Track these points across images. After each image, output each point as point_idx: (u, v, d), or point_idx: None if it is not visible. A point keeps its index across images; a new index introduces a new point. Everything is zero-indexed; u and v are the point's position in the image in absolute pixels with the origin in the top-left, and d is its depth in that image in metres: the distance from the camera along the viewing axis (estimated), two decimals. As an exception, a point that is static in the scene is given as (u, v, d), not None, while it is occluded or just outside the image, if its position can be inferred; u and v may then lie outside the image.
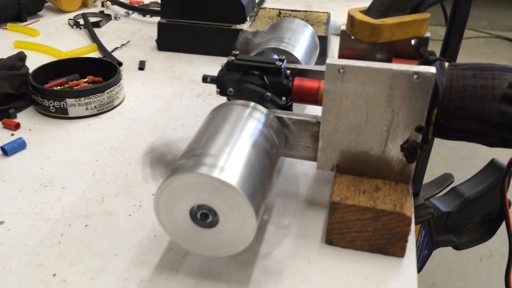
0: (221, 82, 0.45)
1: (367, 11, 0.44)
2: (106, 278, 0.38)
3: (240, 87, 0.45)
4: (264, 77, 0.44)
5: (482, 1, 3.62)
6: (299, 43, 0.57)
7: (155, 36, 0.87)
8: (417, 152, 0.40)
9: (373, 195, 0.40)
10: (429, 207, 0.59)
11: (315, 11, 0.89)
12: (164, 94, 0.69)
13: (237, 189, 0.33)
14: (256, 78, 0.44)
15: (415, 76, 0.37)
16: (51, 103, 0.60)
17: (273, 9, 0.91)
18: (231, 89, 0.45)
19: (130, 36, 0.90)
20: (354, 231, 0.41)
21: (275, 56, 0.48)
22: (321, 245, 0.42)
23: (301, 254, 0.41)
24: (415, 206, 0.58)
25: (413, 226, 0.43)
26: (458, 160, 1.92)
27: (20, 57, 0.65)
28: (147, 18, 1.01)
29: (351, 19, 0.44)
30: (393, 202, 0.40)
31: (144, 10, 1.00)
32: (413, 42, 0.45)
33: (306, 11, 0.90)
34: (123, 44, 0.86)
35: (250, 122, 0.39)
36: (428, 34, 0.45)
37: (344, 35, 0.46)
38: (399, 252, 0.41)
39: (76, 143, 0.56)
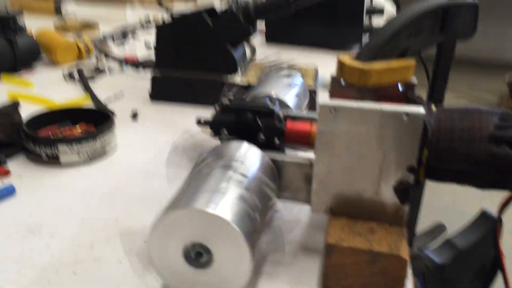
0: (215, 124, 0.46)
1: (356, 57, 0.46)
2: (94, 327, 0.37)
3: (234, 129, 0.45)
4: (258, 119, 0.45)
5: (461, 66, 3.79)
6: (289, 91, 0.58)
7: (148, 89, 0.88)
8: (409, 193, 0.40)
9: (368, 237, 0.40)
10: (424, 259, 0.58)
11: (303, 66, 0.92)
12: (156, 143, 0.69)
13: (233, 225, 0.32)
14: (250, 121, 0.45)
15: (404, 116, 0.38)
16: (43, 150, 0.60)
17: (263, 62, 0.94)
18: (225, 131, 0.45)
19: (124, 89, 0.92)
20: (351, 275, 0.40)
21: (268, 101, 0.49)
22: (317, 291, 0.41)
23: (297, 301, 0.40)
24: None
25: (409, 271, 0.42)
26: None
27: (14, 106, 0.66)
28: (141, 73, 1.03)
29: (341, 64, 0.45)
30: (389, 244, 0.39)
31: (137, 65, 1.02)
32: (400, 87, 0.47)
33: (293, 65, 0.92)
34: (116, 95, 0.87)
35: (245, 163, 0.39)
36: (414, 80, 0.46)
37: (334, 81, 0.48)
38: (397, 297, 0.40)
39: (66, 190, 0.56)
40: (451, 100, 3.16)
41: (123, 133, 0.71)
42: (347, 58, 0.46)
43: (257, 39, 1.33)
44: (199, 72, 0.83)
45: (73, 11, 1.55)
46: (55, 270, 0.42)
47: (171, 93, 0.84)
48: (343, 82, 0.46)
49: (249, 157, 0.41)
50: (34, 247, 0.45)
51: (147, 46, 1.23)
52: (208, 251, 0.34)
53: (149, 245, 0.35)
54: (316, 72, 0.88)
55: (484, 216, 0.65)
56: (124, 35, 1.32)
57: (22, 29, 1.00)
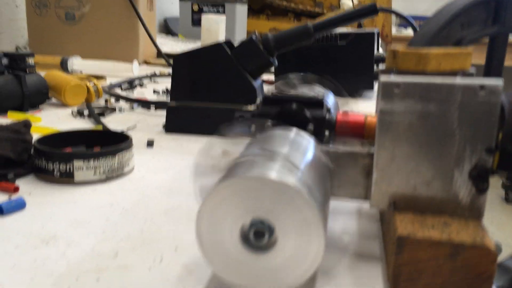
0: (257, 118, 0.42)
1: (408, 45, 0.43)
2: (126, 333, 0.30)
3: (278, 121, 0.41)
4: (305, 110, 0.41)
5: None
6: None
7: (161, 124, 0.85)
8: (488, 179, 0.36)
9: (444, 229, 0.35)
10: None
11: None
12: (175, 166, 0.64)
13: (308, 198, 0.27)
14: (296, 112, 0.41)
15: (481, 90, 0.34)
16: (56, 166, 0.55)
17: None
18: (269, 124, 0.41)
19: (136, 123, 0.88)
20: (427, 274, 0.34)
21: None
22: (386, 297, 0.35)
23: (365, 307, 0.33)
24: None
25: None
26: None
27: (26, 124, 0.61)
28: (152, 111, 1.00)
29: (393, 53, 0.42)
30: (471, 235, 0.34)
31: (149, 103, 1.00)
32: (458, 75, 0.43)
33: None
34: (129, 128, 0.83)
35: (303, 139, 0.34)
36: (473, 70, 0.43)
37: (384, 74, 0.44)
38: (483, 300, 0.33)
39: (82, 205, 0.50)
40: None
41: (139, 157, 0.66)
42: (399, 46, 0.43)
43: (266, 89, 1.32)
44: (217, 102, 0.80)
45: (79, 66, 1.55)
46: (75, 278, 0.36)
47: (186, 124, 0.81)
48: (395, 74, 0.43)
49: (302, 140, 0.36)
50: (48, 256, 0.39)
51: (156, 92, 1.21)
52: (270, 230, 0.28)
53: (198, 226, 0.29)
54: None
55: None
56: (131, 84, 1.31)
57: (31, 68, 0.97)
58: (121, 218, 0.47)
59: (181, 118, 0.81)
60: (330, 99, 0.58)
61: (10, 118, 0.89)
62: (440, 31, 0.42)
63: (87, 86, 1.03)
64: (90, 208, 0.49)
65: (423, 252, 0.33)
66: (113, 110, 0.97)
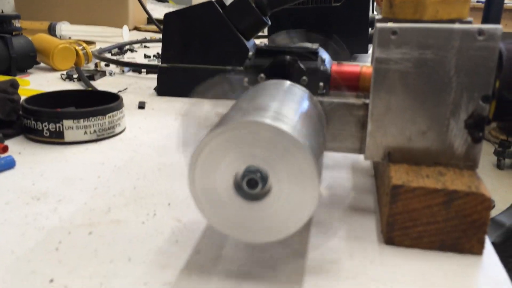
0: (249, 70, 0.41)
1: (405, -6, 0.41)
2: (120, 283, 0.30)
3: (271, 73, 0.40)
4: (299, 62, 0.40)
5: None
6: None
7: (153, 87, 0.83)
8: (483, 127, 0.35)
9: (439, 178, 0.34)
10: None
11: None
12: (168, 126, 0.63)
13: (304, 146, 0.26)
14: (290, 63, 0.40)
15: (479, 35, 0.33)
16: (45, 126, 0.54)
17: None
18: (262, 75, 0.40)
19: (127, 86, 0.86)
20: (421, 223, 0.34)
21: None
22: (380, 246, 0.35)
23: (359, 255, 0.33)
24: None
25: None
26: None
27: (13, 84, 0.60)
28: (143, 75, 0.98)
29: (389, 2, 0.41)
30: (466, 184, 0.33)
31: (140, 66, 0.98)
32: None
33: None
34: (120, 91, 0.81)
35: (297, 91, 0.34)
36: (470, 19, 0.42)
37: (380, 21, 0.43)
38: (477, 247, 0.33)
39: (73, 164, 0.49)
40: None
41: (131, 118, 0.65)
42: (395, -5, 0.42)
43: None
44: (209, 63, 0.78)
45: (68, 31, 1.52)
46: (67, 231, 0.36)
47: (178, 86, 0.79)
48: (391, 23, 0.42)
49: (296, 91, 0.35)
50: (39, 212, 0.39)
51: (147, 57, 1.19)
52: (264, 179, 0.28)
53: (191, 174, 0.28)
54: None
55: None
56: (121, 49, 1.28)
57: (18, 30, 0.95)
58: (113, 175, 0.46)
59: (173, 80, 0.80)
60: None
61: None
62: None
63: (76, 50, 1.01)
64: (81, 166, 0.48)
65: (417, 201, 0.33)
66: (103, 73, 0.95)
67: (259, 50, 0.41)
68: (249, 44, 0.80)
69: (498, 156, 2.59)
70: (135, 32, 1.78)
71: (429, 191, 0.33)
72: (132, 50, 1.31)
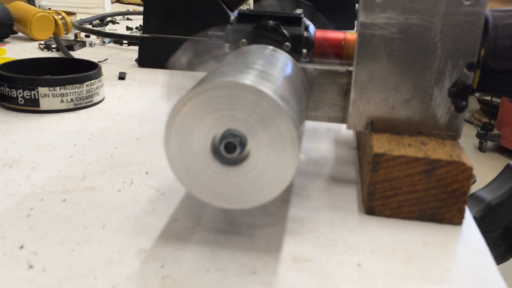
0: (231, 35, 0.39)
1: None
2: (93, 249, 0.29)
3: (254, 39, 0.39)
4: (282, 27, 0.39)
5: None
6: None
7: (134, 57, 0.81)
8: (467, 96, 0.35)
9: (421, 147, 0.34)
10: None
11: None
12: (149, 97, 0.62)
13: (286, 112, 0.25)
14: (272, 29, 0.39)
15: (467, 0, 0.33)
16: (19, 93, 0.52)
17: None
18: (244, 40, 0.39)
19: (108, 57, 0.84)
20: (402, 192, 0.33)
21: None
22: (360, 216, 0.34)
23: (339, 224, 0.33)
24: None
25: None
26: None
27: (-14, 50, 0.57)
28: (125, 46, 0.96)
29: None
30: (447, 153, 0.33)
31: (121, 37, 0.95)
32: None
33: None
34: (100, 61, 0.79)
35: (280, 56, 0.32)
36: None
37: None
38: (457, 217, 0.33)
39: (48, 132, 0.48)
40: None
41: (110, 89, 0.63)
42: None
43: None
44: (192, 34, 0.76)
45: (48, 1, 1.47)
46: (39, 198, 0.34)
47: (160, 57, 0.77)
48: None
49: (279, 56, 0.34)
50: (11, 179, 0.37)
51: (129, 29, 1.16)
52: (242, 143, 0.27)
53: (167, 138, 0.27)
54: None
55: (510, 168, 0.60)
56: (103, 20, 1.25)
57: (-6, -3, 0.91)
58: (90, 143, 0.45)
59: (155, 51, 0.78)
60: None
61: (-27, 51, 0.84)
62: None
63: (54, 19, 0.98)
64: (57, 134, 0.47)
65: (398, 169, 0.33)
66: (83, 44, 0.92)
67: (241, 15, 0.40)
68: (233, 15, 0.78)
69: (480, 138, 2.62)
70: (117, 4, 1.73)
71: (411, 160, 0.32)
72: (114, 22, 1.27)
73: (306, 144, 0.46)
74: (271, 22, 0.39)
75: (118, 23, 1.28)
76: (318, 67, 0.37)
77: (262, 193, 0.27)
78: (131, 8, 1.61)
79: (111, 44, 0.97)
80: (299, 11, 0.40)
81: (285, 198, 0.36)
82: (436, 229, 0.33)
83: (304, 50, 0.39)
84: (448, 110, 0.35)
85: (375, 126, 0.37)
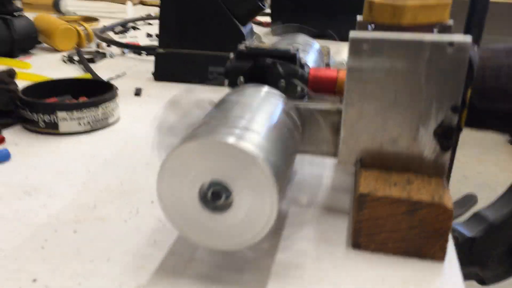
0: (230, 72, 0.42)
1: (385, -2, 0.42)
2: (97, 283, 0.32)
3: (251, 76, 0.41)
4: (278, 65, 0.41)
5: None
6: (309, 54, 0.54)
7: (151, 70, 0.84)
8: (452, 137, 0.36)
9: (406, 187, 0.36)
10: (453, 231, 0.54)
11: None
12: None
13: (261, 162, 0.28)
14: (269, 67, 0.41)
15: (448, 46, 0.34)
16: (40, 117, 0.55)
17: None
18: (241, 79, 0.41)
19: (126, 70, 0.88)
20: (386, 230, 0.35)
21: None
22: (347, 250, 0.36)
23: (325, 260, 0.35)
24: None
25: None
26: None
27: (10, 73, 0.61)
28: (144, 56, 0.99)
29: (370, 4, 0.41)
30: (430, 193, 0.35)
31: (139, 48, 0.99)
32: (435, 30, 0.43)
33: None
34: (118, 75, 0.83)
35: (272, 99, 0.35)
36: (451, 22, 0.42)
37: (360, 26, 0.44)
38: (439, 253, 0.35)
39: (65, 156, 0.51)
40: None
41: (126, 107, 0.66)
42: (375, -1, 0.42)
43: (261, 32, 1.30)
44: (206, 49, 0.79)
45: (73, 7, 1.52)
46: (53, 229, 0.38)
47: (176, 71, 0.80)
48: (371, 26, 0.42)
49: (271, 99, 0.36)
50: (30, 208, 0.41)
51: (149, 36, 1.20)
52: (227, 191, 0.29)
53: (159, 184, 0.30)
54: (328, 51, 0.84)
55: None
56: (124, 26, 1.29)
57: (19, 11, 0.96)
58: (102, 169, 0.48)
59: (170, 65, 0.81)
60: (314, 47, 0.58)
61: (1, 64, 0.89)
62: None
63: (77, 30, 1.02)
64: (73, 158, 0.50)
65: (382, 209, 0.35)
66: (103, 55, 0.96)
67: (239, 53, 0.42)
68: (245, 28, 0.81)
69: (510, 132, 2.56)
70: (139, 6, 1.77)
71: (394, 201, 0.34)
72: (135, 28, 1.31)
73: (306, 170, 0.48)
74: (267, 60, 0.41)
75: (139, 29, 1.31)
76: (311, 105, 0.39)
77: (246, 237, 0.30)
78: (154, 10, 1.65)
79: (131, 54, 1.00)
80: (295, 48, 0.42)
81: (278, 228, 0.39)
82: (418, 266, 0.35)
83: (299, 87, 0.41)
84: (434, 150, 0.37)
85: (364, 162, 0.39)
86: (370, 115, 0.37)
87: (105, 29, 1.20)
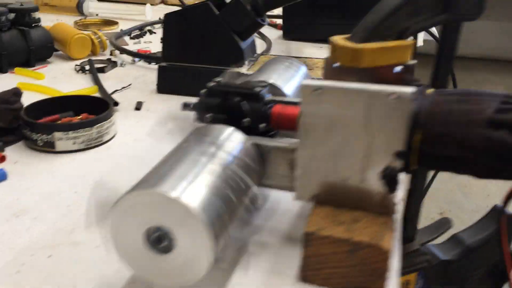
0: (200, 108, 0.44)
1: (350, 37, 0.43)
2: (59, 310, 0.36)
3: (218, 113, 0.43)
4: (244, 103, 0.43)
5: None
6: (290, 80, 0.56)
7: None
8: (397, 181, 0.38)
9: (350, 227, 0.38)
10: (425, 254, 0.55)
11: (314, 57, 0.90)
12: (156, 132, 0.68)
13: (196, 213, 0.30)
14: (235, 104, 0.43)
15: (392, 96, 0.36)
16: (39, 136, 0.60)
17: (274, 55, 0.92)
18: (208, 115, 0.44)
19: (133, 81, 0.91)
20: (329, 266, 0.37)
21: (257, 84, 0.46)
22: (295, 283, 0.39)
23: (273, 291, 0.38)
24: (409, 252, 0.55)
25: (397, 264, 0.40)
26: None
27: (15, 92, 0.66)
28: (153, 65, 1.03)
29: (333, 45, 0.43)
30: (371, 234, 0.37)
31: (149, 57, 1.02)
32: (397, 69, 0.44)
33: (306, 57, 0.90)
34: (124, 87, 0.87)
35: (225, 148, 0.37)
36: (413, 62, 0.44)
37: (327, 64, 0.45)
38: (380, 291, 0.37)
39: (58, 176, 0.55)
40: None
41: (124, 122, 0.70)
42: (340, 38, 0.44)
43: (275, 34, 1.31)
44: (206, 63, 0.82)
45: (95, 9, 1.57)
46: (31, 253, 0.42)
47: (178, 84, 0.83)
48: (335, 65, 0.44)
49: (230, 141, 0.39)
50: (15, 230, 0.45)
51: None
52: (169, 236, 0.32)
53: (112, 227, 0.33)
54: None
55: (495, 211, 0.61)
56: (142, 29, 1.33)
57: (37, 22, 1.01)
58: (88, 192, 0.52)
59: (172, 79, 0.84)
60: (301, 72, 0.59)
61: (17, 74, 0.94)
62: (383, 22, 0.42)
63: (91, 39, 1.06)
64: (64, 178, 0.54)
65: (326, 247, 0.37)
66: (114, 64, 1.00)
67: (210, 90, 0.45)
68: (245, 43, 0.83)
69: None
70: (161, 6, 1.81)
71: (336, 240, 0.36)
72: (151, 32, 1.35)
73: (274, 195, 0.50)
74: (234, 99, 0.43)
75: (155, 32, 1.35)
76: (270, 143, 0.42)
77: (188, 276, 0.33)
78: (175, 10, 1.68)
79: (141, 63, 1.04)
80: (262, 86, 0.44)
81: (236, 257, 0.41)
82: (359, 302, 0.37)
83: (262, 125, 0.43)
84: (381, 191, 0.38)
85: (319, 199, 0.41)
86: (321, 157, 0.39)
87: (121, 33, 1.24)
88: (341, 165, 0.39)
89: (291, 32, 1.30)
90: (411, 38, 0.45)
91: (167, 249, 0.33)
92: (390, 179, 0.38)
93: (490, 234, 0.58)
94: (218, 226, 0.32)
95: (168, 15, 0.83)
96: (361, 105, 0.36)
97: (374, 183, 0.38)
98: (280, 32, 1.32)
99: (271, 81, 0.52)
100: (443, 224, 0.58)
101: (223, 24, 0.80)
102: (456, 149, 0.37)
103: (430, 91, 0.40)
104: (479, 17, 0.45)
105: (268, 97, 0.44)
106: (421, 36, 1.44)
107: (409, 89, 0.35)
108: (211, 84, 0.45)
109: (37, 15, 1.02)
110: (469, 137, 0.36)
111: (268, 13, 0.84)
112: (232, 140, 0.39)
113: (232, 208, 0.35)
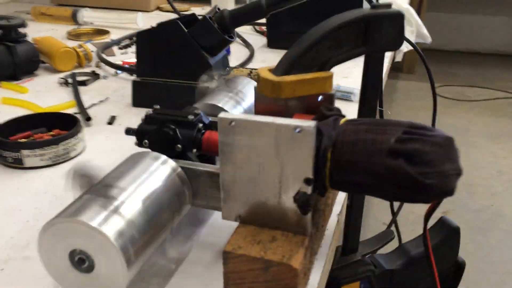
0: (138, 134, 0.48)
1: (274, 70, 0.47)
2: (1, 321, 0.40)
3: (154, 139, 0.47)
4: (177, 130, 0.47)
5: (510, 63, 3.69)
6: (247, 99, 0.59)
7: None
8: (309, 204, 0.41)
9: (266, 245, 0.41)
10: (369, 264, 0.58)
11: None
12: (123, 147, 0.72)
13: (111, 240, 0.34)
14: (169, 131, 0.47)
15: (296, 130, 0.39)
16: (8, 154, 0.64)
17: (246, 68, 0.96)
18: (146, 140, 0.47)
19: (112, 94, 0.95)
20: (248, 281, 0.41)
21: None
22: (220, 296, 0.42)
23: (197, 304, 0.41)
24: (352, 262, 0.58)
25: (317, 279, 0.43)
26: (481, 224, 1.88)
27: (-10, 112, 0.70)
28: (134, 77, 1.07)
29: (257, 76, 0.47)
30: (283, 253, 0.40)
31: (130, 70, 1.06)
32: (319, 98, 0.47)
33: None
34: (101, 101, 0.91)
35: (155, 174, 0.41)
36: (332, 91, 0.47)
37: (256, 92, 0.49)
38: (293, 305, 0.40)
39: (23, 192, 0.59)
40: (498, 101, 3.04)
41: (94, 136, 0.74)
42: (264, 70, 0.47)
43: (262, 42, 1.35)
44: (177, 78, 0.86)
45: (89, 18, 1.62)
46: (-15, 267, 0.46)
47: (151, 99, 0.87)
48: (261, 95, 0.47)
49: (159, 169, 0.43)
50: (-26, 245, 0.49)
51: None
52: (89, 258, 0.36)
53: (39, 248, 0.37)
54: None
55: (442, 223, 0.63)
56: (131, 40, 1.37)
57: (23, 37, 1.05)
58: (48, 207, 0.56)
59: (146, 93, 0.88)
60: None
61: (3, 88, 0.99)
62: (303, 55, 0.46)
63: (76, 52, 1.11)
64: (28, 194, 0.59)
65: (242, 265, 0.40)
66: (97, 77, 1.05)
67: (147, 117, 0.48)
68: (214, 59, 0.86)
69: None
70: (157, 13, 1.85)
71: (251, 259, 0.40)
72: (140, 41, 1.39)
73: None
74: (166, 128, 0.47)
75: (143, 42, 1.39)
76: (199, 168, 0.45)
77: (109, 293, 0.37)
78: (171, 16, 1.72)
79: (124, 75, 1.08)
80: (195, 114, 0.48)
81: (171, 271, 0.45)
82: (273, 314, 0.40)
83: (194, 150, 0.47)
84: (295, 213, 0.42)
85: (243, 219, 0.44)
86: (241, 181, 0.43)
87: (110, 44, 1.28)
88: (259, 189, 0.42)
89: (275, 41, 1.34)
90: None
91: (89, 269, 0.37)
92: (302, 203, 0.41)
93: (434, 245, 0.61)
94: (135, 248, 0.36)
95: (140, 33, 0.87)
96: (271, 136, 0.40)
97: (289, 205, 0.42)
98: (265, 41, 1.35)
99: (220, 104, 0.56)
100: (386, 235, 0.61)
101: (191, 41, 0.83)
102: (362, 176, 0.40)
103: (343, 120, 0.43)
104: (399, 47, 0.48)
105: (207, 121, 0.48)
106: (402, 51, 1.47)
107: (311, 123, 0.39)
108: (149, 112, 0.49)
109: (26, 29, 1.07)
110: (372, 165, 0.39)
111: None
112: (163, 168, 0.43)
113: (156, 231, 0.39)
